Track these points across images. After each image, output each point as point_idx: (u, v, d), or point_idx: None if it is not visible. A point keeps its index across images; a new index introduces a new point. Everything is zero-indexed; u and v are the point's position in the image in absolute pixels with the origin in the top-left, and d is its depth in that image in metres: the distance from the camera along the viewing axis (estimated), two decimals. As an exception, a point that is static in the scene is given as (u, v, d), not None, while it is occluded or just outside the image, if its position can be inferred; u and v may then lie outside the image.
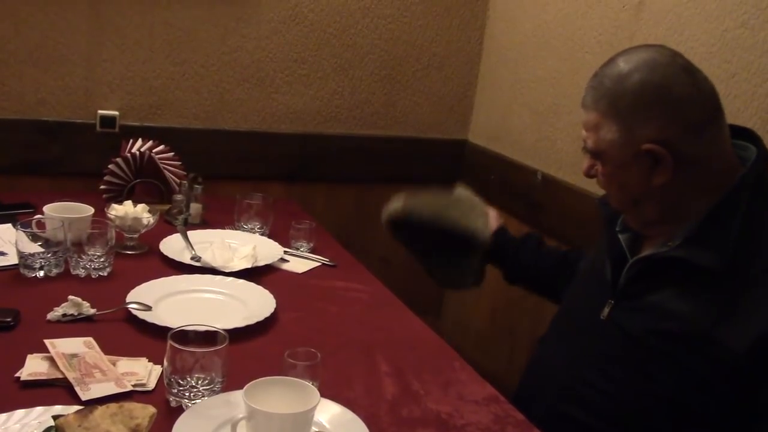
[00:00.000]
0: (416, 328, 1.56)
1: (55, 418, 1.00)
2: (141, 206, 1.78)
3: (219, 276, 1.64)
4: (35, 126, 2.17)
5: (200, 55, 2.29)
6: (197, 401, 1.13)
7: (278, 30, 2.35)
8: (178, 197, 1.99)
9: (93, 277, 1.58)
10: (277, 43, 2.36)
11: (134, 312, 1.40)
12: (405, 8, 2.48)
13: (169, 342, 1.13)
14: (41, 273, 1.55)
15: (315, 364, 1.18)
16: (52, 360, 1.20)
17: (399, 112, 2.57)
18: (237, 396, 1.08)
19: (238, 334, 1.33)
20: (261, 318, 1.44)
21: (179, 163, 2.10)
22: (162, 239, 1.79)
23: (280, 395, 1.05)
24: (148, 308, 1.42)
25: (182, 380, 1.13)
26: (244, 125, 2.39)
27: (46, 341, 1.25)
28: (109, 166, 2.00)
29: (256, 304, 1.52)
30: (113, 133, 2.22)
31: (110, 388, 1.15)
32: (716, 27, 1.69)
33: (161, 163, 2.05)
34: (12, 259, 1.59)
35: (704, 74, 1.23)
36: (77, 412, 1.00)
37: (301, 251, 1.88)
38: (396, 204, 1.69)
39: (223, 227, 1.95)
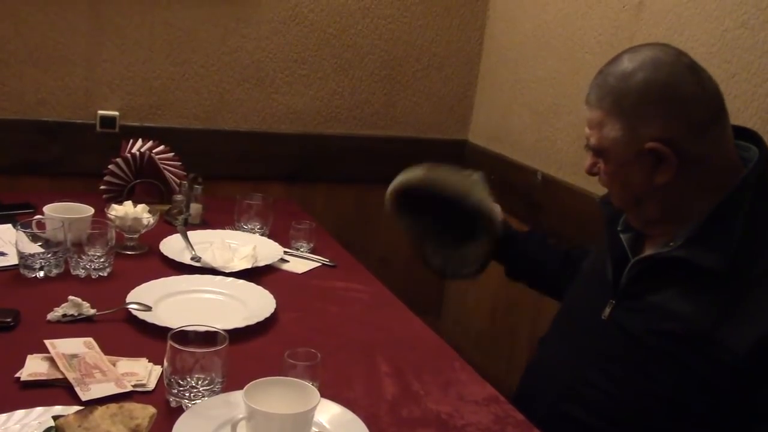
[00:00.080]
0: (416, 329, 1.56)
1: (55, 418, 1.00)
2: (141, 206, 1.78)
3: (219, 276, 1.64)
4: (35, 126, 2.17)
5: (200, 56, 2.29)
6: (197, 401, 1.13)
7: (278, 30, 2.35)
8: (178, 197, 1.99)
9: (93, 277, 1.58)
10: (277, 43, 2.36)
11: (134, 312, 1.40)
12: (405, 8, 2.48)
13: (169, 342, 1.13)
14: (41, 273, 1.55)
15: (315, 364, 1.18)
16: (52, 360, 1.20)
17: (399, 113, 2.57)
18: (237, 396, 1.08)
19: (238, 335, 1.33)
20: (261, 318, 1.44)
21: (179, 163, 2.10)
22: (162, 239, 1.79)
23: (280, 396, 1.05)
24: (148, 308, 1.42)
25: (182, 380, 1.13)
26: (244, 125, 2.39)
27: (46, 341, 1.25)
28: (109, 167, 2.00)
29: (256, 304, 1.52)
30: (113, 133, 2.22)
31: (110, 389, 1.15)
32: (716, 27, 1.69)
33: (161, 163, 2.05)
34: (12, 260, 1.59)
35: (709, 74, 1.23)
36: (77, 412, 1.00)
37: (301, 251, 1.88)
38: (416, 172, 1.63)
39: (223, 227, 1.95)
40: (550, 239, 1.75)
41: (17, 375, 1.17)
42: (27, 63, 2.13)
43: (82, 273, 1.58)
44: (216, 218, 2.01)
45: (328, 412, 1.13)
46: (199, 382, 1.13)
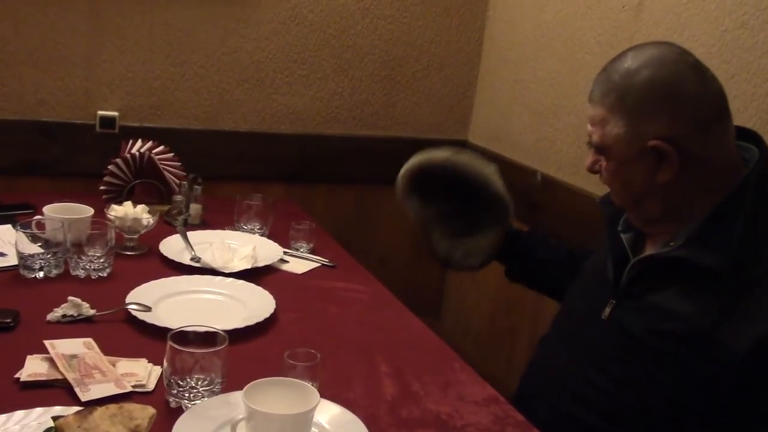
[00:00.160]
0: (416, 329, 1.56)
1: (54, 419, 1.00)
2: (141, 207, 1.78)
3: (219, 277, 1.64)
4: (35, 127, 2.17)
5: (200, 56, 2.29)
6: (197, 402, 1.13)
7: (278, 31, 2.35)
8: (178, 198, 1.99)
9: (93, 277, 1.58)
10: (276, 43, 2.36)
11: (134, 313, 1.40)
12: (405, 9, 2.48)
13: (169, 343, 1.13)
14: (41, 274, 1.55)
15: (315, 364, 1.18)
16: (51, 361, 1.20)
17: (399, 113, 2.57)
18: (237, 397, 1.08)
19: (237, 335, 1.33)
20: (261, 319, 1.44)
21: (179, 163, 2.10)
22: (162, 240, 1.79)
23: (279, 396, 1.05)
24: (148, 309, 1.42)
25: (182, 381, 1.13)
26: (244, 126, 2.39)
27: (46, 342, 1.25)
28: (109, 167, 2.00)
29: (255, 304, 1.52)
30: (113, 133, 2.22)
31: (110, 389, 1.15)
32: (716, 27, 1.69)
33: (161, 163, 2.05)
34: (12, 260, 1.59)
35: (712, 73, 1.23)
36: (77, 413, 1.00)
37: (301, 252, 1.88)
38: (440, 153, 1.62)
39: (222, 228, 1.95)
40: (551, 239, 1.75)
41: (17, 375, 1.17)
42: (27, 63, 2.13)
43: (81, 273, 1.58)
44: (216, 219, 2.01)
45: (328, 412, 1.13)
46: (199, 383, 1.13)
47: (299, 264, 1.82)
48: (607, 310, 1.31)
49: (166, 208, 1.98)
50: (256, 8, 2.31)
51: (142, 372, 1.21)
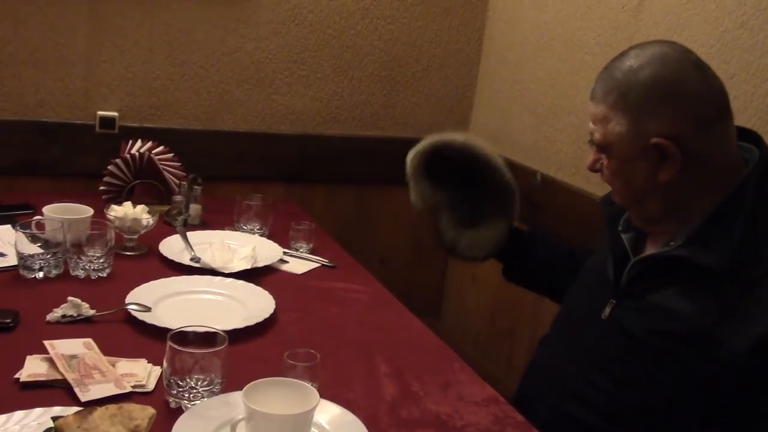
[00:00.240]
0: (416, 329, 1.56)
1: (54, 419, 1.00)
2: (140, 207, 1.78)
3: (218, 277, 1.64)
4: (35, 127, 2.17)
5: (200, 56, 2.29)
6: (197, 402, 1.13)
7: (278, 31, 2.35)
8: (178, 198, 1.99)
9: (92, 278, 1.58)
10: (276, 44, 2.36)
11: (134, 313, 1.40)
12: (404, 9, 2.48)
13: (169, 343, 1.13)
14: (40, 274, 1.55)
15: (314, 365, 1.17)
16: (51, 361, 1.20)
17: (399, 113, 2.57)
18: (236, 397, 1.08)
19: (237, 335, 1.33)
20: (260, 319, 1.44)
21: (179, 164, 2.10)
22: (161, 240, 1.79)
23: (279, 396, 1.05)
24: (148, 309, 1.42)
25: (182, 381, 1.13)
26: (244, 126, 2.39)
27: (46, 342, 1.25)
28: (109, 167, 2.00)
29: (255, 305, 1.52)
30: (113, 134, 2.22)
31: (109, 389, 1.15)
32: (715, 28, 1.69)
33: (161, 164, 2.05)
34: (11, 260, 1.59)
35: (714, 72, 1.23)
36: (76, 413, 1.00)
37: (301, 252, 1.88)
38: (455, 135, 1.61)
39: (222, 228, 1.95)
40: (552, 238, 1.75)
41: (16, 376, 1.17)
42: (26, 64, 2.13)
43: (81, 274, 1.58)
44: (215, 219, 2.01)
45: (328, 412, 1.13)
46: (199, 383, 1.13)
47: (299, 264, 1.82)
48: (607, 310, 1.31)
49: (165, 208, 1.98)
50: (256, 8, 2.31)
51: (142, 372, 1.21)
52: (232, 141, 2.38)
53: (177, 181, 2.05)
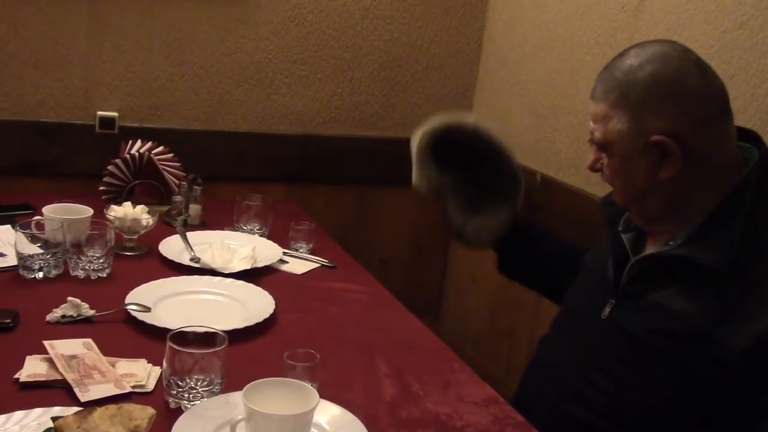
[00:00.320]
0: (415, 329, 1.56)
1: (54, 419, 1.00)
2: (140, 207, 1.78)
3: (218, 277, 1.64)
4: (34, 127, 2.17)
5: (199, 57, 2.29)
6: (196, 402, 1.13)
7: (277, 31, 2.35)
8: (178, 198, 1.99)
9: (92, 278, 1.58)
10: (276, 44, 2.36)
11: (133, 313, 1.40)
12: (404, 9, 2.48)
13: (168, 343, 1.13)
14: (40, 274, 1.55)
15: (314, 365, 1.17)
16: (51, 361, 1.20)
17: (398, 114, 2.57)
18: (236, 397, 1.08)
19: (237, 336, 1.33)
20: (260, 319, 1.44)
21: (178, 164, 2.10)
22: (161, 240, 1.79)
23: (279, 396, 1.05)
24: (147, 309, 1.42)
25: (181, 381, 1.13)
26: (244, 126, 2.39)
27: (45, 342, 1.25)
28: (109, 168, 2.00)
29: (255, 305, 1.52)
30: (112, 134, 2.22)
31: (109, 390, 1.15)
32: (715, 28, 1.69)
33: (160, 164, 2.05)
34: (11, 261, 1.59)
35: (714, 71, 1.23)
36: (76, 413, 1.00)
37: (301, 252, 1.88)
38: (466, 118, 1.56)
39: (222, 228, 1.95)
40: (552, 232, 1.72)
41: (16, 376, 1.17)
42: (26, 64, 2.13)
43: (81, 274, 1.58)
44: (215, 219, 2.01)
45: (328, 413, 1.13)
46: (199, 383, 1.13)
47: (299, 264, 1.82)
48: (607, 310, 1.31)
49: (165, 208, 1.98)
50: (256, 9, 2.31)
51: (142, 372, 1.21)
52: (232, 141, 2.38)
53: (177, 182, 2.05)
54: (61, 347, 1.24)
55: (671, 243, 1.24)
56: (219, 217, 2.01)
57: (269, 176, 2.43)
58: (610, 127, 1.24)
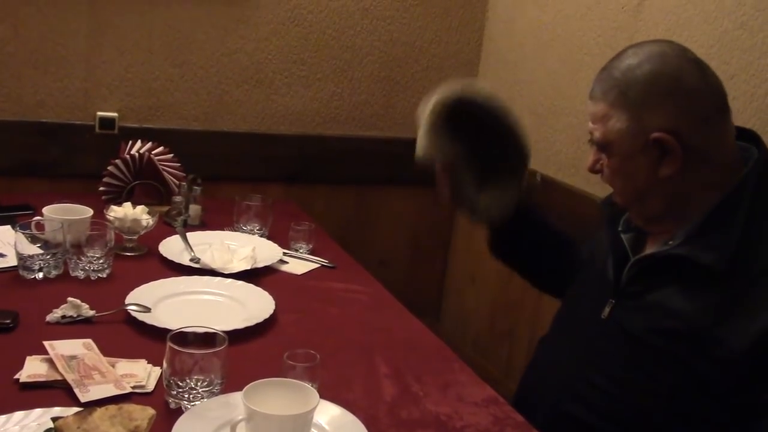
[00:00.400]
0: (415, 330, 1.56)
1: (54, 419, 1.00)
2: (140, 208, 1.78)
3: (218, 277, 1.64)
4: (34, 127, 2.17)
5: (199, 57, 2.29)
6: (196, 403, 1.13)
7: (277, 31, 2.35)
8: (177, 199, 1.99)
9: (92, 278, 1.58)
10: (276, 44, 2.36)
11: (133, 314, 1.40)
12: (404, 10, 2.48)
13: (168, 344, 1.13)
14: (40, 275, 1.55)
15: (314, 365, 1.17)
16: (51, 362, 1.20)
17: (398, 114, 2.57)
18: (236, 398, 1.08)
19: (237, 336, 1.33)
20: (260, 319, 1.44)
21: (178, 164, 2.10)
22: (161, 241, 1.79)
23: (279, 397, 1.05)
24: (147, 310, 1.42)
25: (181, 382, 1.13)
26: (244, 126, 2.39)
27: (45, 343, 1.25)
28: (108, 168, 2.00)
29: (255, 305, 1.52)
30: (112, 134, 2.22)
31: (109, 390, 1.15)
32: (715, 28, 1.69)
33: (160, 164, 2.05)
34: (11, 261, 1.59)
35: (712, 70, 1.23)
36: (76, 413, 1.00)
37: (301, 253, 1.88)
38: (480, 88, 1.50)
39: (222, 229, 1.95)
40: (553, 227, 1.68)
41: (16, 376, 1.17)
42: (26, 64, 2.13)
43: (81, 274, 1.58)
44: (215, 219, 2.01)
45: (328, 413, 1.13)
46: (199, 384, 1.13)
47: (299, 265, 1.82)
48: (607, 310, 1.31)
49: (165, 209, 1.98)
50: (256, 9, 2.31)
51: (142, 373, 1.21)
52: (232, 141, 2.38)
53: (177, 182, 2.05)
54: (61, 348, 1.24)
55: (671, 243, 1.24)
56: (219, 217, 2.01)
57: (269, 176, 2.43)
58: (609, 127, 1.24)
